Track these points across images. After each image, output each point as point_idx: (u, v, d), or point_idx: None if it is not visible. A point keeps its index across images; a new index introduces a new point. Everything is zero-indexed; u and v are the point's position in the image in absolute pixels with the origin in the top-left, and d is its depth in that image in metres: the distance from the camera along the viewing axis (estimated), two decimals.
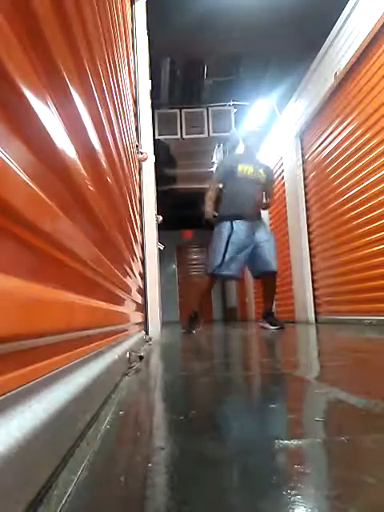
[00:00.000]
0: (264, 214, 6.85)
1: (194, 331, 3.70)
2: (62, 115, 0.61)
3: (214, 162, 4.42)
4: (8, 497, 0.31)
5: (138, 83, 3.00)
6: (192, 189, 7.12)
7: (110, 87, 1.17)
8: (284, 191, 5.85)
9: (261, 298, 4.17)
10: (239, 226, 3.61)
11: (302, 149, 5.27)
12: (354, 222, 3.93)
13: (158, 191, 4.58)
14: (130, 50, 2.50)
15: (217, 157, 7.39)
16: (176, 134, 6.24)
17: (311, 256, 5.12)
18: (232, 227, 3.61)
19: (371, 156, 3.60)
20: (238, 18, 4.55)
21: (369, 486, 0.39)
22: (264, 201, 4.00)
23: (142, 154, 2.85)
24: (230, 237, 3.59)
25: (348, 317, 4.09)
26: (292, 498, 0.37)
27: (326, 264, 4.66)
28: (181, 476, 0.44)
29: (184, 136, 6.24)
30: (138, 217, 2.50)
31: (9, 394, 0.37)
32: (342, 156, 4.14)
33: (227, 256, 3.56)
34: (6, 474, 0.31)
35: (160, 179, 5.56)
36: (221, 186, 3.90)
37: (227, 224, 3.63)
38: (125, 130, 1.67)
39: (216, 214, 3.80)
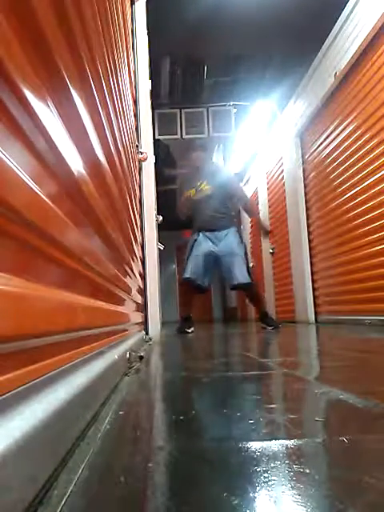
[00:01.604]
0: (264, 215, 6.89)
1: (190, 331, 3.79)
2: (61, 115, 0.61)
3: (213, 162, 4.42)
4: (8, 497, 0.31)
5: (138, 83, 3.00)
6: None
7: (110, 87, 1.17)
8: (284, 191, 5.85)
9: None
10: (201, 236, 3.96)
11: (302, 149, 5.27)
12: (354, 222, 3.93)
13: (157, 191, 4.58)
14: (130, 50, 2.50)
15: (217, 157, 7.40)
16: (176, 134, 6.23)
17: (311, 256, 5.12)
18: (196, 237, 3.97)
19: (371, 156, 3.60)
20: (238, 18, 4.55)
21: (369, 485, 0.39)
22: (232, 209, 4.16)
23: (142, 153, 2.85)
24: (192, 246, 3.95)
25: (348, 317, 4.09)
26: (292, 498, 0.37)
27: (326, 264, 4.66)
28: (181, 476, 0.44)
29: (184, 136, 6.23)
30: (137, 217, 2.50)
31: (9, 393, 0.37)
32: (342, 156, 4.14)
33: (191, 263, 3.86)
34: (6, 473, 0.31)
35: (160, 179, 5.56)
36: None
37: (194, 235, 4.02)
38: (125, 130, 1.67)
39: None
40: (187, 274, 3.83)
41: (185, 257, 3.99)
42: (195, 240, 3.94)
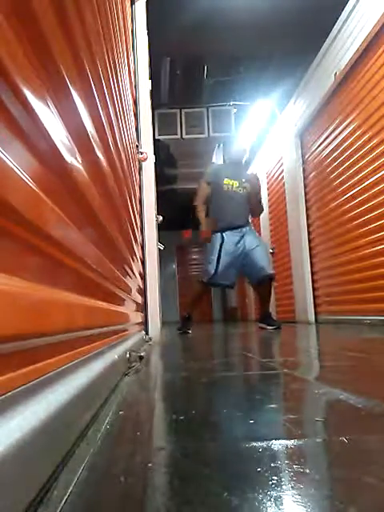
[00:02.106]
0: (264, 215, 6.88)
1: (190, 331, 3.81)
2: (61, 115, 0.61)
3: (213, 162, 4.42)
4: (8, 497, 0.31)
5: (138, 83, 3.00)
6: (192, 189, 7.12)
7: (110, 87, 1.17)
8: (284, 191, 5.85)
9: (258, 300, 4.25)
10: (229, 236, 3.83)
11: (302, 149, 5.27)
12: (354, 222, 3.93)
13: (157, 191, 4.58)
14: (130, 50, 2.50)
15: (216, 157, 7.40)
16: (176, 134, 6.23)
17: (311, 256, 5.12)
18: (222, 238, 3.83)
19: (371, 156, 3.60)
20: (239, 18, 4.55)
21: (369, 485, 0.39)
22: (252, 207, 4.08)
23: (142, 153, 2.85)
24: (221, 247, 3.80)
25: (348, 317, 4.09)
26: (292, 498, 0.37)
27: (326, 264, 4.66)
28: (181, 476, 0.44)
29: (184, 136, 6.24)
30: (137, 217, 2.50)
31: (9, 394, 0.37)
32: (342, 156, 4.14)
33: (221, 266, 3.75)
34: (6, 473, 0.31)
35: (160, 179, 5.56)
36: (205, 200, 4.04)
37: (218, 235, 3.86)
38: (125, 129, 1.67)
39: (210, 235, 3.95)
40: (215, 280, 3.76)
41: (210, 257, 3.82)
42: (222, 241, 3.81)
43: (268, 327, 3.77)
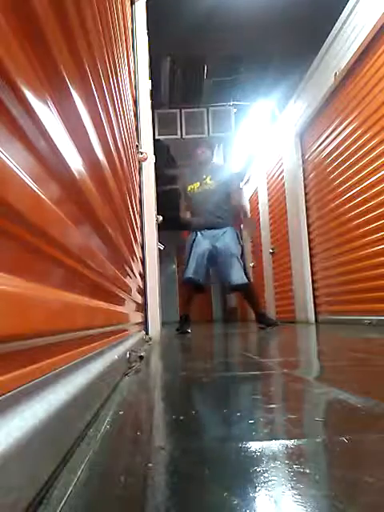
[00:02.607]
0: (264, 215, 6.88)
1: (189, 331, 3.81)
2: (61, 115, 0.61)
3: (213, 162, 4.41)
4: (8, 497, 0.31)
5: (138, 83, 3.00)
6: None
7: (110, 87, 1.17)
8: (284, 191, 5.85)
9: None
10: (201, 235, 3.93)
11: (302, 149, 5.27)
12: (354, 222, 3.93)
13: (157, 191, 4.58)
14: (130, 50, 2.50)
15: (216, 157, 7.39)
16: (176, 134, 6.23)
17: (311, 256, 5.12)
18: (195, 236, 3.94)
19: (371, 156, 3.60)
20: (238, 17, 4.55)
21: (369, 485, 0.39)
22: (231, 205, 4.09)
23: (142, 153, 2.85)
24: (192, 245, 3.92)
25: (348, 317, 4.09)
26: (292, 498, 0.37)
27: (326, 264, 4.66)
28: (181, 476, 0.44)
29: (184, 136, 6.24)
30: (137, 217, 2.50)
31: (9, 393, 0.37)
32: (342, 156, 4.14)
33: (191, 263, 3.84)
34: (6, 473, 0.31)
35: (160, 179, 5.55)
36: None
37: (192, 234, 3.98)
38: (125, 130, 1.67)
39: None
40: (189, 275, 3.82)
41: (185, 257, 3.97)
42: (194, 239, 3.93)
43: (266, 327, 3.79)
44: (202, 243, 3.88)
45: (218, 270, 3.89)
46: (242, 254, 3.85)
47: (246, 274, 3.73)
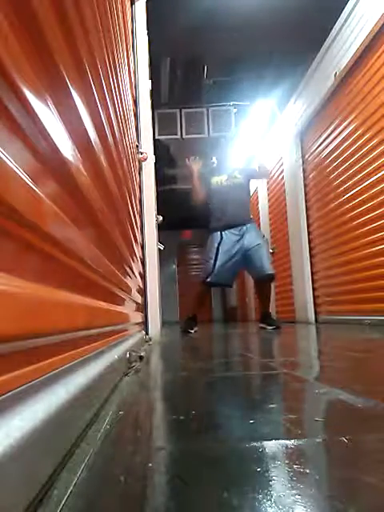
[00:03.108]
0: (264, 215, 6.88)
1: (193, 331, 3.80)
2: (61, 115, 0.61)
3: (213, 162, 4.41)
4: (8, 497, 0.31)
5: (138, 83, 3.00)
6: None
7: (110, 87, 1.17)
8: (284, 191, 5.85)
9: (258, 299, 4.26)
10: (228, 235, 3.85)
11: (302, 149, 5.27)
12: (354, 222, 3.93)
13: (158, 191, 4.58)
14: (130, 50, 2.50)
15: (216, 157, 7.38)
16: (176, 134, 6.23)
17: (311, 256, 5.12)
18: (221, 237, 3.84)
19: (371, 156, 3.60)
20: (238, 17, 4.55)
21: (369, 485, 0.39)
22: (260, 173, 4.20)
23: (142, 153, 2.85)
24: (219, 246, 3.82)
25: (348, 317, 4.09)
26: (292, 498, 0.37)
27: (326, 264, 4.66)
28: (181, 476, 0.44)
29: (184, 136, 6.23)
30: (137, 217, 2.50)
31: (9, 393, 0.37)
32: (342, 156, 4.14)
33: (218, 264, 3.77)
34: (6, 473, 0.31)
35: (160, 179, 5.55)
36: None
37: (217, 234, 3.88)
38: (125, 129, 1.67)
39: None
40: (213, 279, 3.77)
41: (208, 256, 3.85)
42: (220, 241, 3.83)
43: (268, 327, 3.78)
44: (229, 244, 3.81)
45: (250, 263, 3.85)
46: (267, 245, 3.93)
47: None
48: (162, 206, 5.07)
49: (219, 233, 3.85)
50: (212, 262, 3.78)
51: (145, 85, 3.09)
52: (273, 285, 4.02)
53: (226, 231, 3.84)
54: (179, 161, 7.23)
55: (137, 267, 2.20)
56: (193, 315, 3.93)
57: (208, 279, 3.79)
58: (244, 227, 3.87)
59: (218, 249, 3.79)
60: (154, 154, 3.35)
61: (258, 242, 3.82)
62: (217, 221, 3.92)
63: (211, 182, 4.05)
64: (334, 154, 4.31)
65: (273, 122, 6.16)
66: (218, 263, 3.75)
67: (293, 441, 0.53)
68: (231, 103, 6.23)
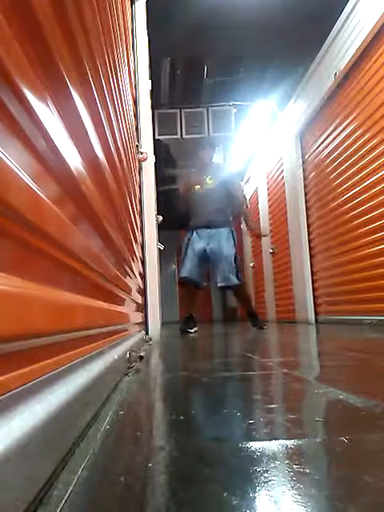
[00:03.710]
0: (264, 215, 6.88)
1: (192, 331, 3.84)
2: (61, 115, 0.61)
3: (213, 162, 4.43)
4: (8, 497, 0.31)
5: (138, 83, 3.00)
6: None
7: (110, 87, 1.17)
8: (284, 191, 5.85)
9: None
10: (197, 234, 4.01)
11: (302, 149, 5.27)
12: (354, 222, 3.93)
13: (158, 191, 4.59)
14: (130, 50, 2.50)
15: (216, 157, 7.39)
16: (176, 134, 6.23)
17: (311, 256, 5.12)
18: (191, 235, 4.02)
19: (371, 156, 3.59)
20: (239, 17, 4.55)
21: (369, 485, 0.39)
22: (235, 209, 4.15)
23: (142, 153, 2.85)
24: (188, 244, 4.00)
25: (348, 317, 4.09)
26: (292, 498, 0.37)
27: (326, 264, 4.66)
28: (181, 476, 0.44)
29: (184, 136, 6.23)
30: (137, 217, 2.50)
31: (9, 393, 0.37)
32: (342, 156, 4.14)
33: (186, 261, 3.93)
34: (6, 473, 0.31)
35: (160, 179, 5.55)
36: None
37: (189, 233, 4.06)
38: (125, 130, 1.67)
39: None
40: (184, 274, 3.90)
41: (181, 256, 4.05)
42: (189, 239, 4.00)
43: (253, 327, 3.92)
44: (197, 243, 3.95)
45: (212, 270, 3.99)
46: (235, 256, 3.90)
47: (236, 275, 3.80)
48: (161, 206, 5.07)
49: (191, 231, 4.02)
50: (183, 258, 3.98)
51: (145, 85, 3.09)
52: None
53: (196, 231, 3.99)
54: (179, 161, 7.23)
55: (137, 267, 2.20)
56: (189, 315, 3.96)
57: (180, 276, 3.97)
58: (214, 231, 3.93)
59: (187, 246, 3.98)
60: (154, 153, 3.35)
61: (221, 251, 3.85)
62: (190, 221, 4.11)
63: (191, 188, 4.20)
64: (334, 154, 4.31)
65: (273, 122, 6.16)
66: (187, 261, 3.93)
67: (293, 441, 0.53)
68: (231, 103, 6.23)
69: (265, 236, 4.88)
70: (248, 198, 8.09)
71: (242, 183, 8.23)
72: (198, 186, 4.12)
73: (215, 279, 3.91)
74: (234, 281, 3.75)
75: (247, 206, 4.30)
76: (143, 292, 2.80)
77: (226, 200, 4.02)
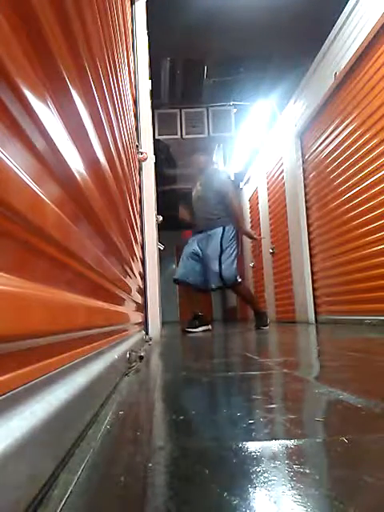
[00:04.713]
0: (264, 215, 6.87)
1: (200, 330, 3.94)
2: (61, 115, 0.61)
3: (213, 162, 4.47)
4: (8, 497, 0.31)
5: (138, 83, 3.00)
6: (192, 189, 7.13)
7: (110, 87, 1.17)
8: (284, 191, 5.85)
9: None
10: (192, 238, 4.24)
11: (302, 149, 5.27)
12: (354, 222, 3.93)
13: (158, 191, 4.59)
14: (130, 50, 2.50)
15: (216, 157, 7.39)
16: (176, 134, 6.23)
17: (311, 256, 5.12)
18: (189, 239, 4.27)
19: (371, 156, 3.59)
20: (238, 17, 4.55)
21: (369, 485, 0.39)
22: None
23: (142, 153, 2.85)
24: (184, 247, 4.24)
25: (348, 317, 4.09)
26: (292, 498, 0.37)
27: (326, 264, 4.66)
28: (181, 476, 0.44)
29: (184, 136, 6.24)
30: (137, 217, 2.50)
31: (9, 393, 0.37)
32: (342, 156, 4.14)
33: (180, 263, 4.15)
34: (6, 473, 0.31)
35: (160, 179, 5.55)
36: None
37: (190, 237, 4.30)
38: (125, 130, 1.67)
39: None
40: (176, 276, 4.11)
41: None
42: (188, 242, 4.20)
43: (261, 327, 3.96)
44: (191, 246, 4.14)
45: (204, 272, 4.08)
46: (229, 256, 3.95)
47: (234, 274, 3.89)
48: (161, 206, 5.07)
49: (191, 237, 4.25)
50: (180, 261, 4.16)
51: (145, 85, 3.09)
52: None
53: (194, 235, 4.23)
54: (179, 161, 7.24)
55: (137, 267, 2.20)
56: (195, 315, 4.04)
57: (175, 276, 4.13)
58: (207, 234, 4.04)
59: (183, 250, 4.21)
60: (154, 153, 3.35)
61: (211, 254, 3.94)
62: (192, 227, 4.34)
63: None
64: (334, 154, 4.31)
65: (273, 122, 6.16)
66: (181, 263, 4.12)
67: (293, 441, 0.53)
68: (231, 103, 6.24)
69: (263, 239, 4.95)
70: (247, 197, 8.10)
71: (242, 185, 8.24)
72: (194, 194, 4.31)
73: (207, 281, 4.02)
74: (215, 285, 3.89)
75: (234, 204, 4.09)
76: (143, 292, 2.80)
77: (215, 199, 4.06)
